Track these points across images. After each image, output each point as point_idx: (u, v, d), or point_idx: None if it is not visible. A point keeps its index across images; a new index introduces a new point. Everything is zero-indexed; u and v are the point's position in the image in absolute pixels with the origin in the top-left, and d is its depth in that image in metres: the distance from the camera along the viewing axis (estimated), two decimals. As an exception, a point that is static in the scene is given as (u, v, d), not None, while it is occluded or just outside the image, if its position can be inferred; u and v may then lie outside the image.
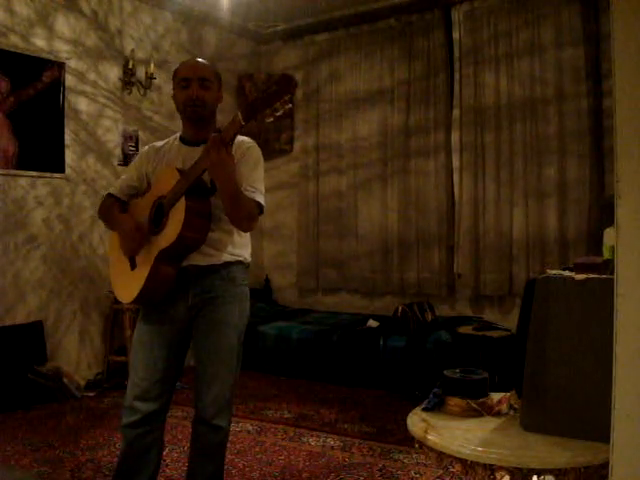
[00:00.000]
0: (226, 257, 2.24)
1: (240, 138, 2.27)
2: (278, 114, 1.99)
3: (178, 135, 2.36)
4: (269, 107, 1.95)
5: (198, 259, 2.20)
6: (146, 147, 2.45)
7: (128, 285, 2.26)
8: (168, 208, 2.15)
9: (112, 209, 2.36)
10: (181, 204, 2.10)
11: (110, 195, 2.41)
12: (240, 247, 2.30)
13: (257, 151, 2.31)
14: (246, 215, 2.16)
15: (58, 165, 4.42)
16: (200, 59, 2.34)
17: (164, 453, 3.17)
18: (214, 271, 2.22)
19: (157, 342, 2.24)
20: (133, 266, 2.26)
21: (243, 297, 2.30)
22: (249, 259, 2.35)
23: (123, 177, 2.44)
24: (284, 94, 1.94)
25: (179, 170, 2.17)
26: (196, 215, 2.12)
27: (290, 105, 1.98)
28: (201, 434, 2.27)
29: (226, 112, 6.05)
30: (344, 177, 5.66)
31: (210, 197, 2.16)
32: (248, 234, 2.34)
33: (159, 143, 2.41)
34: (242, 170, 2.20)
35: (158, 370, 2.24)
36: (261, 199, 2.22)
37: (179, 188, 2.11)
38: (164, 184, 2.18)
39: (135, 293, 2.20)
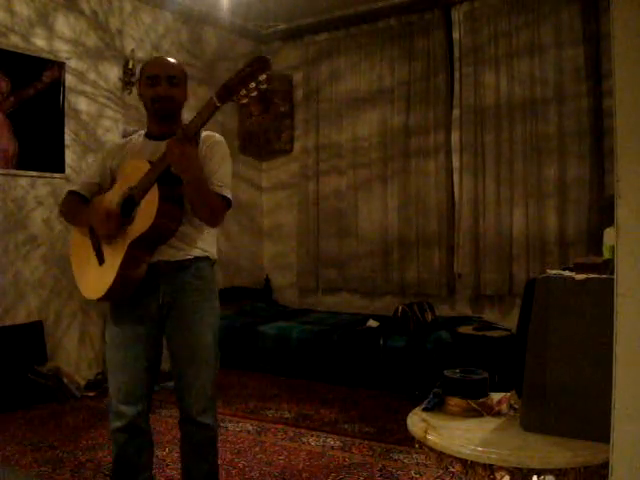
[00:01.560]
0: (196, 252, 2.23)
1: (207, 133, 2.27)
2: (253, 95, 1.98)
3: (143, 132, 2.34)
4: (244, 87, 1.94)
5: (168, 254, 2.18)
6: (109, 144, 2.43)
7: (97, 280, 2.20)
8: (139, 198, 2.12)
9: (76, 204, 2.31)
10: (153, 192, 2.08)
11: (72, 192, 2.36)
12: (208, 243, 2.28)
13: (224, 146, 2.28)
14: (212, 209, 2.15)
15: (58, 165, 4.42)
16: (169, 57, 2.33)
17: (164, 453, 3.19)
18: (184, 268, 2.21)
19: (132, 341, 2.22)
20: (101, 261, 2.21)
21: (213, 295, 2.30)
22: (215, 256, 2.33)
23: (85, 174, 2.40)
24: (258, 74, 1.93)
25: (149, 161, 2.14)
26: (169, 202, 2.10)
27: (265, 86, 1.97)
28: (189, 434, 2.27)
29: (225, 111, 6.07)
30: (344, 177, 5.66)
31: (181, 187, 2.12)
32: (215, 232, 2.33)
33: (123, 140, 2.39)
34: (209, 165, 2.19)
35: (138, 370, 2.22)
36: (228, 194, 2.19)
37: (150, 177, 2.09)
38: (133, 175, 2.15)
39: (106, 288, 2.15)
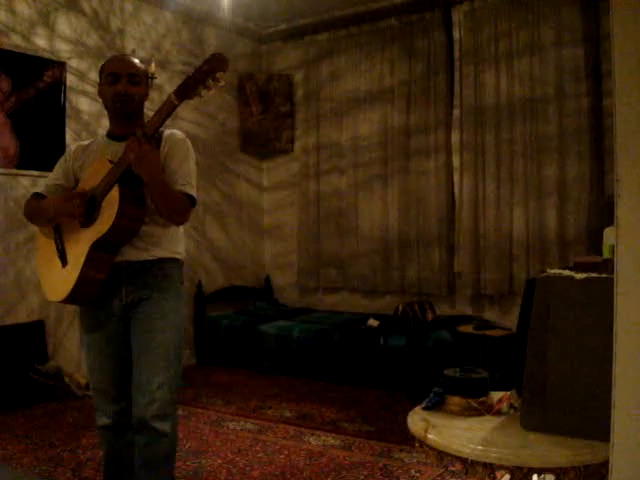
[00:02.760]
0: (160, 252, 2.20)
1: (169, 131, 2.26)
2: (211, 92, 1.99)
3: (104, 133, 2.33)
4: (202, 85, 1.95)
5: (131, 254, 2.15)
6: (72, 146, 2.40)
7: (59, 282, 2.19)
8: (101, 198, 2.10)
9: (39, 202, 2.29)
10: (114, 192, 2.07)
11: (35, 194, 2.35)
12: (175, 242, 2.26)
13: (186, 143, 2.26)
14: (174, 208, 2.13)
15: (59, 165, 4.42)
16: (128, 55, 2.33)
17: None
18: (147, 268, 2.18)
19: (102, 342, 2.22)
20: (64, 263, 2.20)
21: (178, 296, 2.25)
22: (184, 254, 2.31)
23: (49, 176, 2.38)
24: (215, 71, 1.94)
25: (110, 161, 2.12)
26: (130, 203, 2.08)
27: (223, 83, 1.98)
28: (143, 444, 2.14)
29: (227, 111, 6.07)
30: (344, 177, 5.66)
31: (143, 187, 2.11)
32: (182, 229, 2.30)
33: (85, 142, 2.38)
34: (171, 163, 2.18)
35: (111, 370, 2.22)
36: (192, 191, 2.18)
37: (111, 177, 2.07)
38: (95, 176, 2.14)
39: (68, 290, 2.14)
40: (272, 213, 6.23)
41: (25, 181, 4.24)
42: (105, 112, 4.83)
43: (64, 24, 4.43)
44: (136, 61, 2.26)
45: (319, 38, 5.79)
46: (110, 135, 2.28)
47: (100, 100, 4.87)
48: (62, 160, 2.36)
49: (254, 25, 5.81)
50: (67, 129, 4.45)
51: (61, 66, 4.39)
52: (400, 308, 4.63)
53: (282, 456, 3.20)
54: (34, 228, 4.21)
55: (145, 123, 2.09)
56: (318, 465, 3.07)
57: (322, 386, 4.56)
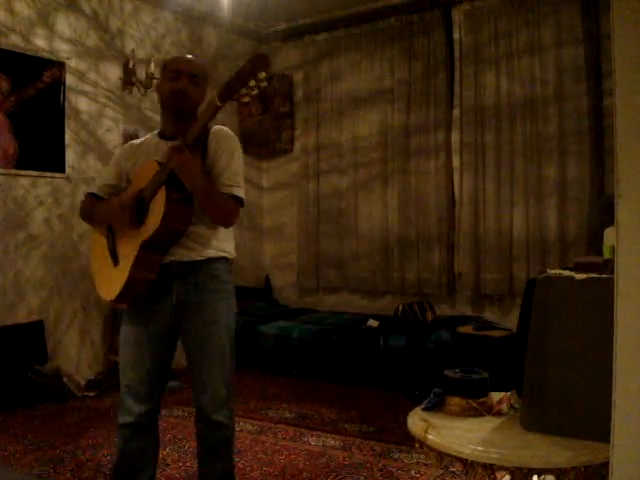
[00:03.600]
0: (210, 252, 2.22)
1: (216, 128, 2.26)
2: (254, 93, 2.00)
3: (156, 132, 2.34)
4: (245, 86, 1.95)
5: (181, 254, 2.18)
6: (125, 145, 2.42)
7: (111, 281, 2.23)
8: (149, 200, 2.13)
9: (93, 203, 2.34)
10: (161, 194, 2.09)
11: (90, 194, 2.39)
12: (224, 241, 2.27)
13: (233, 141, 2.28)
14: (220, 211, 2.16)
15: (58, 165, 4.42)
16: (194, 58, 2.34)
17: (164, 453, 3.19)
18: (197, 268, 2.20)
19: (144, 341, 2.23)
20: (116, 262, 2.23)
21: (229, 294, 2.29)
22: (233, 254, 2.33)
23: (102, 176, 2.41)
24: (258, 71, 1.94)
25: (159, 162, 2.14)
26: (177, 204, 2.10)
27: (266, 83, 1.98)
28: (204, 432, 2.27)
29: (226, 111, 6.04)
30: (344, 177, 5.66)
31: None
32: (231, 229, 2.32)
33: (137, 140, 2.39)
34: (218, 163, 2.19)
35: (147, 369, 2.23)
36: (240, 192, 2.20)
37: (158, 178, 2.10)
38: (143, 177, 2.16)
39: (118, 289, 2.17)
40: (272, 213, 6.22)
41: (24, 181, 4.23)
42: (104, 112, 4.87)
43: (63, 24, 4.43)
44: (200, 63, 2.29)
45: (319, 38, 5.79)
46: (161, 134, 2.30)
47: (100, 100, 4.89)
48: (115, 159, 2.39)
49: (254, 25, 5.80)
50: (66, 129, 4.45)
51: (60, 66, 4.39)
52: (400, 308, 4.64)
53: (282, 457, 3.20)
54: (33, 229, 4.24)
55: (187, 132, 2.10)
56: (318, 466, 3.06)
57: (322, 387, 4.55)
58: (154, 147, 2.27)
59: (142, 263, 2.14)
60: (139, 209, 2.16)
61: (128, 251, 2.17)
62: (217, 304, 2.23)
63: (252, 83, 1.95)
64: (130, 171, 2.29)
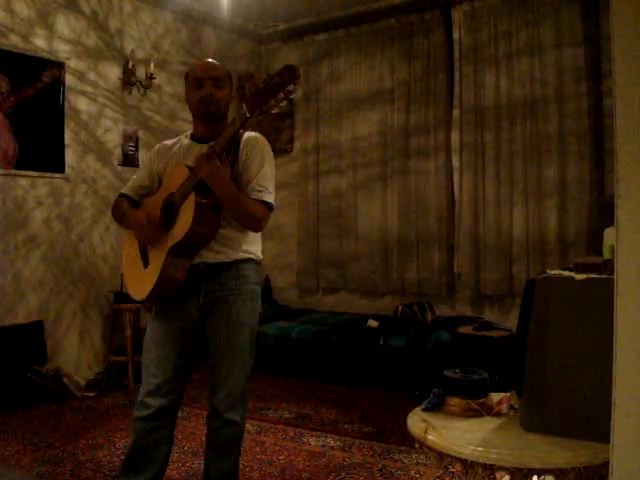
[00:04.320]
0: (237, 255, 2.26)
1: (248, 134, 2.29)
2: (283, 105, 2.00)
3: (189, 133, 2.38)
4: (273, 97, 1.97)
5: (209, 256, 2.23)
6: (157, 145, 2.47)
7: (141, 283, 2.28)
8: (179, 204, 2.17)
9: (125, 208, 2.38)
10: (191, 200, 2.13)
11: (122, 195, 2.44)
12: (252, 244, 2.32)
13: (265, 147, 2.30)
14: (250, 217, 2.21)
15: (58, 165, 4.42)
16: (212, 60, 2.37)
17: (164, 453, 3.18)
18: (225, 269, 2.25)
19: (169, 340, 2.28)
20: (146, 264, 2.29)
21: (254, 295, 2.33)
22: (261, 256, 2.38)
23: (135, 177, 2.46)
24: (287, 84, 1.95)
25: (189, 167, 2.18)
26: (206, 210, 2.14)
27: (294, 94, 1.98)
28: (215, 429, 2.32)
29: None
30: (344, 177, 5.66)
31: None
32: (259, 232, 2.37)
33: (170, 141, 2.43)
34: (249, 169, 2.23)
35: (170, 367, 2.27)
36: (269, 198, 2.24)
37: (188, 184, 2.14)
38: (174, 181, 2.21)
39: (148, 290, 2.23)
40: (271, 213, 6.21)
41: (24, 181, 4.23)
42: (104, 112, 4.87)
43: (63, 24, 4.43)
44: (219, 64, 2.32)
45: (318, 38, 5.79)
46: (194, 137, 2.34)
47: (99, 100, 4.90)
48: (147, 161, 2.44)
49: (253, 25, 5.80)
50: (66, 129, 4.44)
51: (60, 66, 4.38)
52: (400, 309, 4.63)
53: (281, 457, 3.20)
54: (33, 229, 4.24)
55: (216, 140, 2.14)
56: (318, 466, 3.06)
57: (322, 387, 4.55)
58: (186, 150, 2.31)
59: (171, 266, 2.19)
60: (169, 212, 2.21)
61: (158, 253, 2.22)
62: (242, 304, 2.27)
63: (281, 95, 1.96)
64: (162, 172, 2.34)
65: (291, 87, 1.95)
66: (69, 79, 4.46)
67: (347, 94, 5.62)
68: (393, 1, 5.26)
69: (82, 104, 4.58)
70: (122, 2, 4.85)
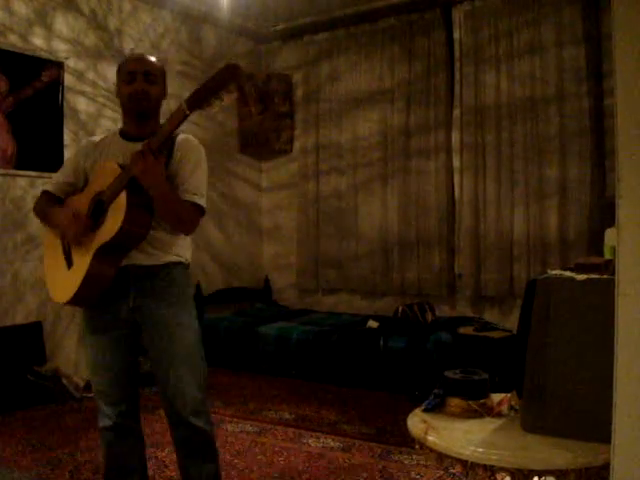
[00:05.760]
0: (167, 257, 2.20)
1: (183, 136, 2.24)
2: (224, 104, 1.97)
3: (117, 130, 2.30)
4: (214, 96, 1.92)
5: (139, 258, 2.15)
6: (84, 141, 2.37)
7: (64, 284, 2.19)
8: (108, 203, 2.09)
9: (48, 204, 2.29)
10: (122, 198, 2.05)
11: (46, 192, 2.33)
12: (183, 247, 2.26)
13: (199, 151, 2.25)
14: (181, 219, 2.14)
15: (57, 165, 4.31)
16: (145, 54, 2.30)
17: (163, 454, 3.18)
18: (154, 273, 2.18)
19: (107, 346, 2.21)
20: (70, 264, 2.19)
21: (187, 298, 2.26)
22: (189, 260, 2.31)
23: (59, 173, 2.34)
24: (229, 83, 1.90)
25: (120, 165, 2.10)
26: (138, 209, 2.07)
27: (235, 95, 1.95)
28: (184, 438, 2.23)
29: (225, 111, 6.05)
30: (344, 177, 5.65)
31: None
32: (190, 236, 2.30)
33: (97, 138, 2.34)
34: (183, 171, 2.16)
35: (114, 373, 2.22)
36: (201, 201, 2.17)
37: (119, 182, 2.06)
38: (103, 179, 2.12)
39: (72, 292, 2.14)
40: (271, 214, 6.21)
41: (23, 181, 4.22)
42: (103, 112, 4.86)
43: (62, 24, 4.42)
44: (153, 59, 2.24)
45: (318, 38, 5.78)
46: (123, 134, 2.25)
47: (98, 100, 4.88)
48: (74, 157, 2.33)
49: (253, 25, 5.79)
50: (65, 129, 4.44)
51: (59, 66, 4.38)
52: (400, 309, 4.63)
53: (281, 458, 3.19)
54: (32, 229, 4.23)
55: (152, 136, 2.06)
56: (317, 467, 3.05)
57: (321, 388, 4.54)
58: (116, 147, 2.22)
59: (98, 267, 2.10)
60: (97, 211, 2.12)
61: (83, 253, 2.13)
62: (177, 307, 2.20)
63: (222, 94, 1.92)
64: (89, 170, 2.24)
65: (232, 87, 1.92)
66: (68, 79, 4.45)
67: (347, 94, 5.62)
68: (393, 1, 5.25)
69: (81, 104, 4.57)
70: (121, 1, 4.84)
